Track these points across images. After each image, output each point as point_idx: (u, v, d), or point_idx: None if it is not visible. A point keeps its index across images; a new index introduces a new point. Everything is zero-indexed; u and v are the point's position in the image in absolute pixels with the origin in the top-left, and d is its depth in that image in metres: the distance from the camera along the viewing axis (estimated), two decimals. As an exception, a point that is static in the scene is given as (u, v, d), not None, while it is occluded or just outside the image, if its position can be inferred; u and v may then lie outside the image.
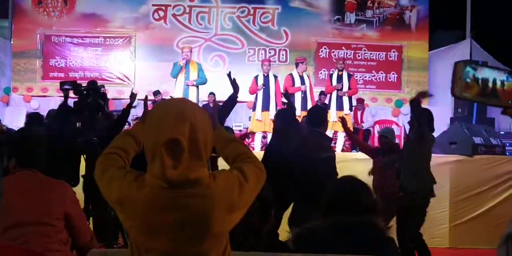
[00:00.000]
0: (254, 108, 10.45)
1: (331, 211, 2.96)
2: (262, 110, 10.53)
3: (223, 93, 12.87)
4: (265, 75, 10.81)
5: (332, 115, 10.36)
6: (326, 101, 11.80)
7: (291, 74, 10.88)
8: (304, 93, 10.55)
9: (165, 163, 2.10)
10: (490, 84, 1.71)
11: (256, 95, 10.69)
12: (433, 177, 6.23)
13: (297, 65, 11.00)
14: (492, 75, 1.71)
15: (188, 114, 2.15)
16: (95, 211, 6.14)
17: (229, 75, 6.41)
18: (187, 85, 10.43)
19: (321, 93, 12.28)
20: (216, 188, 2.17)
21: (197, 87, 10.58)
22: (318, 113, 6.14)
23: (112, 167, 2.27)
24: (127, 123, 8.36)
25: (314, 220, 3.00)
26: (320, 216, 3.01)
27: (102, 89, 10.49)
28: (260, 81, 10.69)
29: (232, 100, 5.99)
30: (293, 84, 10.60)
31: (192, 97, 10.16)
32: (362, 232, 2.85)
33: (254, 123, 10.68)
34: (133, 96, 6.55)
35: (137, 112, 12.29)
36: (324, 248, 2.81)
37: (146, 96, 3.20)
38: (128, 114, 6.53)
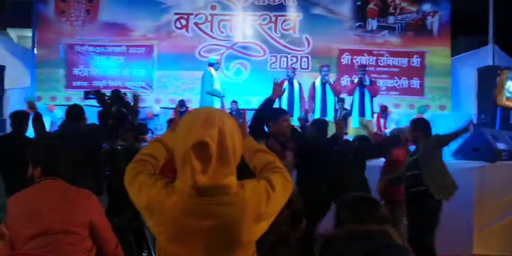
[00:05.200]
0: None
1: (344, 223, 2.97)
2: None
3: (246, 101, 13.07)
4: (290, 82, 10.94)
5: (354, 121, 10.38)
6: (348, 107, 11.77)
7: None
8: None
9: (194, 167, 2.11)
10: None
11: (280, 101, 10.72)
12: None
13: None
14: None
15: (217, 119, 2.17)
16: None
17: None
18: None
19: (339, 100, 12.21)
20: (244, 197, 2.19)
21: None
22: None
23: (142, 173, 2.30)
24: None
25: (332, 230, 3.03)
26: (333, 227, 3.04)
27: (140, 97, 10.65)
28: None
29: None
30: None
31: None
32: (378, 241, 2.87)
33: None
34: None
35: (160, 120, 12.36)
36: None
37: (177, 105, 3.25)
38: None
